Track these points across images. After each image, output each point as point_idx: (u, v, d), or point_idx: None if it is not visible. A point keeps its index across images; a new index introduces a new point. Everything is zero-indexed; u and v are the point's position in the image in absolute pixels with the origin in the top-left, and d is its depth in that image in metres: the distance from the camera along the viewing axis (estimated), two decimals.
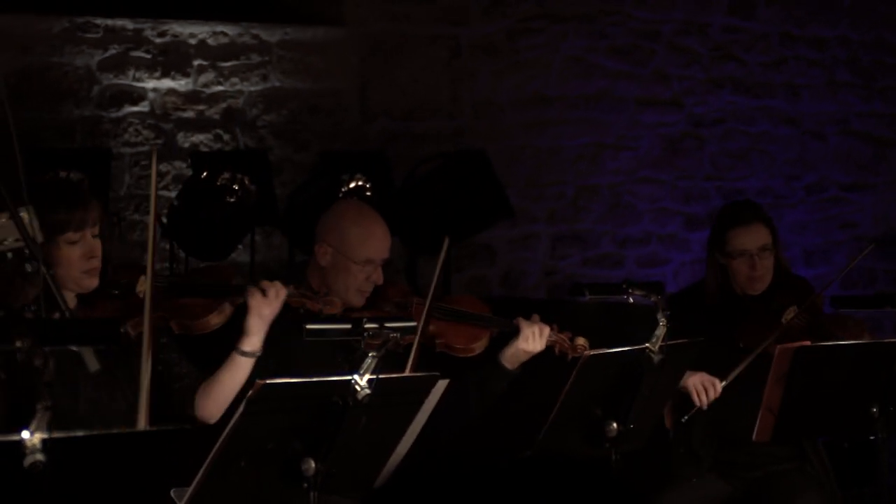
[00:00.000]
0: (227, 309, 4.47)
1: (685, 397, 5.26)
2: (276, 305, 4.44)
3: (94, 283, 4.23)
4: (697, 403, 5.24)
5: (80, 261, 4.18)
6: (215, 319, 4.44)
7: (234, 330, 4.46)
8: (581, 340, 5.03)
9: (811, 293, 5.43)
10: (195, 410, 4.44)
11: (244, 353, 4.42)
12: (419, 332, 4.65)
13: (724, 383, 5.21)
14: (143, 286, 4.18)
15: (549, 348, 5.01)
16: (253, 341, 4.42)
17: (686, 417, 5.27)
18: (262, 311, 4.42)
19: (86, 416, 4.16)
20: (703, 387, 5.24)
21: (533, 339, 4.95)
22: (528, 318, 5.01)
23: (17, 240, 3.64)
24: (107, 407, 4.22)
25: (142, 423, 4.00)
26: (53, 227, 4.08)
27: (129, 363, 4.28)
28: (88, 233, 4.20)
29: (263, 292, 4.42)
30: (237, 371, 4.42)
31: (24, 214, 3.64)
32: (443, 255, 4.90)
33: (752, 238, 5.42)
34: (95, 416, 4.17)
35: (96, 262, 4.22)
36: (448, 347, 4.94)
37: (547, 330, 4.97)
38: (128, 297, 4.33)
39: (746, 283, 5.44)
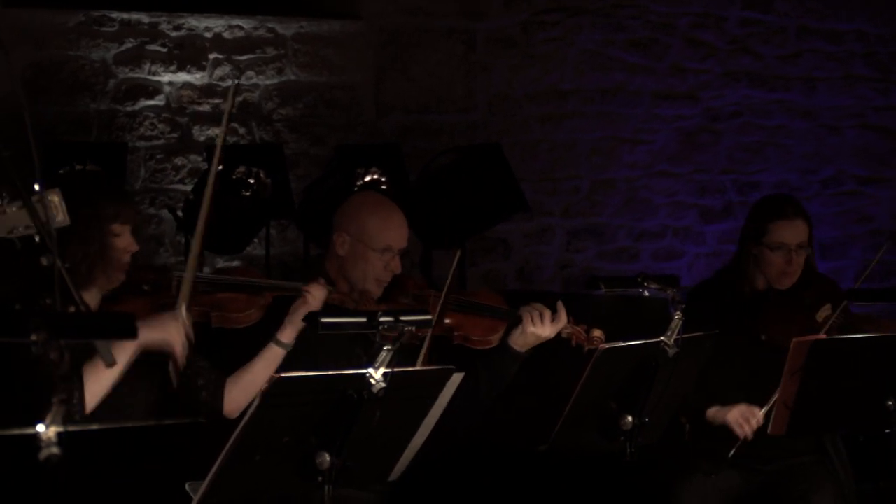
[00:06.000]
0: (267, 303, 4.56)
1: (727, 430, 5.24)
2: (319, 303, 4.54)
3: (122, 277, 4.28)
4: (742, 436, 5.21)
5: (120, 253, 4.24)
6: (256, 314, 4.53)
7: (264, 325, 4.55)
8: (597, 332, 5.02)
9: (838, 292, 5.41)
10: (223, 404, 4.49)
11: (281, 345, 4.50)
12: (433, 325, 4.67)
13: (764, 410, 5.17)
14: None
15: (565, 340, 5.00)
16: (292, 334, 4.50)
17: (732, 452, 5.22)
18: (309, 307, 4.50)
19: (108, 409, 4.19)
20: (744, 419, 5.21)
21: (538, 320, 4.93)
22: None
23: (27, 227, 3.63)
24: (125, 401, 4.25)
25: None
26: (104, 214, 4.17)
27: (147, 359, 4.31)
28: (129, 228, 4.27)
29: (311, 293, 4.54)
30: (273, 362, 4.49)
31: (53, 198, 3.63)
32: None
33: (794, 233, 5.40)
34: (116, 409, 4.21)
35: (129, 259, 4.28)
36: (466, 339, 4.94)
37: (548, 312, 4.96)
38: (158, 294, 4.38)
39: (777, 276, 5.41)
